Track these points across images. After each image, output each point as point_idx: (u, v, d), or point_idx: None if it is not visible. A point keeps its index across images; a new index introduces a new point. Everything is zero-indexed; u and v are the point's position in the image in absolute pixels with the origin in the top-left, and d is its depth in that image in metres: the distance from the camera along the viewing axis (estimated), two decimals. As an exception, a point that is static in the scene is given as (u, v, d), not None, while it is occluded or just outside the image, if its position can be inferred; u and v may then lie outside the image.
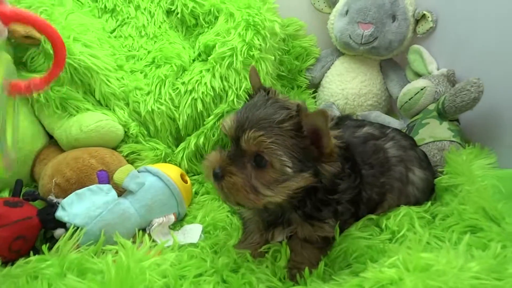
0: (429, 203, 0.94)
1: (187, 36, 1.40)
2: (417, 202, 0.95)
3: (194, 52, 1.33)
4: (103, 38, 1.27)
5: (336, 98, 1.51)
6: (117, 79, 1.20)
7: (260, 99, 0.75)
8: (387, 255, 0.70)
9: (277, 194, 0.72)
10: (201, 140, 1.21)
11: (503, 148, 1.03)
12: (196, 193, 1.19)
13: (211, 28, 1.32)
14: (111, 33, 1.34)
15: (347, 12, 1.42)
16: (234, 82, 1.21)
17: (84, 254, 0.75)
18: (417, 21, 1.42)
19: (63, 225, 0.89)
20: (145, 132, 1.22)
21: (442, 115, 1.16)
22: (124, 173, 0.97)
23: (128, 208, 0.94)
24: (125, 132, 1.18)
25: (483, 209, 0.84)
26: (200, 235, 0.97)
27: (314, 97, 1.59)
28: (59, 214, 0.88)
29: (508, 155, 1.01)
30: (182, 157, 1.23)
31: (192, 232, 0.97)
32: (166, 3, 1.36)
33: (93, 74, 1.15)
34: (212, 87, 1.21)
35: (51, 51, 0.92)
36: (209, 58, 1.24)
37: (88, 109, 1.15)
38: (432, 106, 1.24)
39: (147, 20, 1.35)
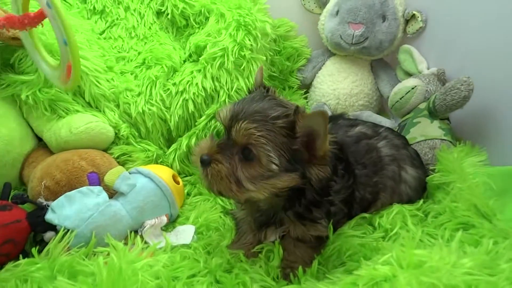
0: (421, 201, 0.94)
1: (177, 37, 1.39)
2: (410, 201, 0.96)
3: (185, 53, 1.33)
4: (92, 40, 1.26)
5: (327, 98, 1.51)
6: (107, 81, 1.19)
7: (259, 94, 0.75)
8: (380, 253, 0.70)
9: (260, 189, 0.71)
10: (193, 141, 1.20)
11: (493, 145, 1.04)
12: (189, 194, 1.18)
13: (202, 28, 1.31)
14: (101, 34, 1.33)
15: (337, 12, 1.43)
16: (226, 83, 1.20)
17: (75, 256, 0.74)
18: (407, 21, 1.44)
19: (53, 228, 0.88)
20: (136, 134, 1.21)
21: (433, 113, 1.17)
22: (115, 175, 0.96)
23: (119, 210, 0.93)
24: (116, 133, 1.17)
25: (474, 206, 0.85)
26: (193, 236, 0.96)
27: (305, 98, 1.60)
28: (49, 216, 0.87)
29: (498, 153, 1.02)
30: (173, 158, 1.22)
31: (184, 233, 0.96)
32: (156, 4, 1.36)
33: (82, 76, 1.13)
34: (204, 88, 1.20)
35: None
36: (200, 58, 1.23)
37: (77, 111, 1.13)
38: (423, 105, 1.25)
39: (137, 21, 1.34)
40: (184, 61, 1.30)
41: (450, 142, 1.11)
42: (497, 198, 0.86)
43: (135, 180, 0.99)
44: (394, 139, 0.97)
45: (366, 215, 0.90)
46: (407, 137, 1.13)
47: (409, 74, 1.42)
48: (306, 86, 1.62)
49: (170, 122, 1.23)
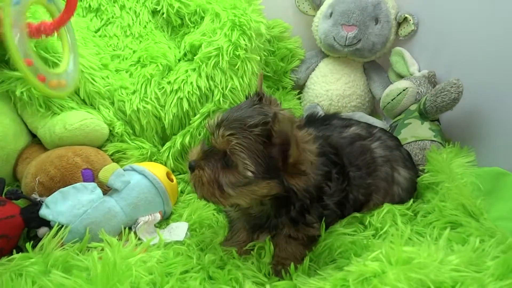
0: (411, 201, 0.96)
1: (172, 36, 1.40)
2: (402, 201, 0.96)
3: (179, 52, 1.33)
4: (87, 37, 1.26)
5: (320, 99, 1.53)
6: (102, 78, 1.20)
7: (248, 102, 0.77)
8: (370, 250, 0.71)
9: (239, 196, 0.73)
10: (187, 139, 1.21)
11: (481, 147, 1.07)
12: (182, 191, 1.19)
13: (197, 28, 1.32)
14: (96, 32, 1.33)
15: (331, 14, 1.44)
16: (220, 82, 1.21)
17: (69, 251, 0.75)
18: (399, 24, 1.46)
19: (46, 223, 0.88)
20: (131, 131, 1.22)
21: (424, 115, 1.19)
22: (109, 172, 0.97)
23: (113, 206, 0.94)
24: (110, 131, 1.17)
25: (462, 206, 0.87)
26: (186, 233, 0.97)
27: (299, 98, 1.61)
28: (43, 212, 0.87)
29: (486, 154, 1.05)
30: (167, 156, 1.23)
31: (178, 230, 0.97)
32: (151, 3, 1.36)
33: (77, 73, 1.14)
34: (198, 87, 1.21)
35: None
36: (195, 57, 1.24)
37: (72, 108, 1.13)
38: (414, 107, 1.27)
39: (132, 19, 1.35)
40: (179, 60, 1.31)
41: (440, 143, 1.13)
42: (484, 198, 0.88)
43: (129, 177, 0.99)
44: (388, 140, 0.98)
45: (358, 214, 0.91)
46: (399, 137, 1.14)
47: (400, 76, 1.44)
48: (300, 87, 1.63)
49: (165, 120, 1.23)
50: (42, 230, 0.88)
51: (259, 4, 1.40)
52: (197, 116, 1.23)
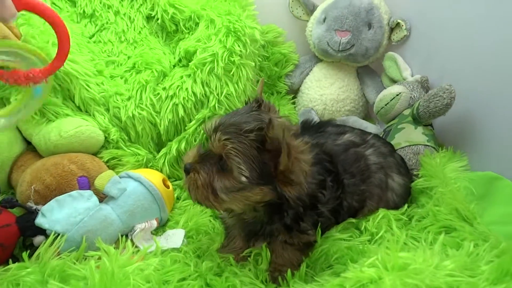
0: (405, 206, 0.96)
1: (167, 41, 1.40)
2: (396, 207, 0.96)
3: (174, 58, 1.33)
4: (82, 43, 1.26)
5: (315, 104, 1.54)
6: (97, 85, 1.19)
7: (246, 108, 0.77)
8: (367, 256, 0.72)
9: (233, 201, 0.73)
10: (183, 145, 1.21)
11: (474, 151, 1.08)
12: (178, 198, 1.19)
13: (192, 34, 1.32)
14: (90, 38, 1.33)
15: (324, 19, 1.45)
16: (215, 88, 1.22)
17: (66, 260, 0.74)
18: (391, 29, 1.47)
19: (42, 232, 0.88)
20: (126, 138, 1.21)
21: (417, 120, 1.20)
22: (105, 179, 0.97)
23: (109, 214, 0.94)
24: (106, 137, 1.17)
25: (456, 210, 0.88)
26: (183, 240, 0.97)
27: (293, 103, 1.62)
28: (39, 221, 0.87)
29: (479, 158, 1.06)
30: (163, 163, 1.22)
31: (174, 237, 0.97)
32: (146, 9, 1.36)
33: (72, 79, 1.13)
34: (193, 93, 1.21)
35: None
36: (190, 63, 1.24)
37: (67, 115, 1.13)
38: (407, 111, 1.28)
39: (127, 25, 1.34)
40: (174, 66, 1.31)
41: (433, 148, 1.14)
42: (478, 202, 0.89)
43: (125, 184, 0.99)
44: (381, 146, 0.99)
45: (353, 219, 0.92)
46: (392, 142, 1.15)
47: (393, 81, 1.45)
48: (294, 92, 1.64)
49: (160, 126, 1.23)
50: (38, 239, 0.88)
51: (253, 9, 1.41)
52: (193, 122, 1.23)
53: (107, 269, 0.65)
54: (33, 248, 0.84)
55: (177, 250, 0.92)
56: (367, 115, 1.64)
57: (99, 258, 0.74)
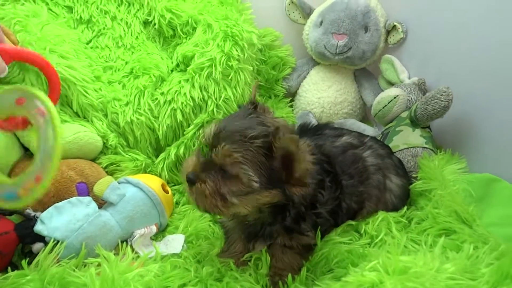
0: (405, 208, 0.97)
1: (164, 46, 1.40)
2: (395, 209, 0.97)
3: (172, 63, 1.33)
4: (79, 49, 1.26)
5: (312, 107, 1.54)
6: (95, 90, 1.19)
7: (244, 111, 0.77)
8: (367, 259, 0.72)
9: (243, 204, 0.73)
10: (181, 150, 1.21)
11: (472, 153, 1.08)
12: (177, 203, 1.19)
13: (189, 39, 1.33)
14: (87, 44, 1.32)
15: (321, 23, 1.46)
16: (214, 92, 1.22)
17: (66, 267, 0.74)
18: (388, 32, 1.48)
19: (41, 239, 0.87)
20: (124, 143, 1.21)
21: (415, 122, 1.21)
22: (104, 185, 0.97)
23: (109, 220, 0.94)
24: (104, 143, 1.17)
25: (455, 212, 0.88)
26: (183, 245, 0.97)
27: (291, 106, 1.62)
28: (38, 228, 0.86)
29: (477, 160, 1.06)
30: (162, 168, 1.22)
31: (174, 243, 0.97)
32: (143, 14, 1.36)
33: (70, 86, 1.13)
34: (192, 98, 1.22)
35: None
36: (188, 68, 1.24)
37: (65, 121, 1.13)
38: (404, 114, 1.28)
39: (124, 31, 1.34)
40: (172, 71, 1.31)
41: (431, 150, 1.15)
42: (477, 204, 0.89)
43: (124, 190, 0.99)
44: (379, 148, 0.99)
45: (353, 222, 0.92)
46: (390, 145, 1.16)
47: (391, 83, 1.46)
48: (292, 95, 1.64)
49: (159, 131, 1.23)
50: (37, 246, 0.87)
51: (250, 13, 1.41)
52: (191, 127, 1.23)
53: (107, 276, 0.65)
54: (32, 256, 0.84)
55: (177, 256, 0.91)
56: (365, 118, 1.64)
57: (99, 264, 0.74)
